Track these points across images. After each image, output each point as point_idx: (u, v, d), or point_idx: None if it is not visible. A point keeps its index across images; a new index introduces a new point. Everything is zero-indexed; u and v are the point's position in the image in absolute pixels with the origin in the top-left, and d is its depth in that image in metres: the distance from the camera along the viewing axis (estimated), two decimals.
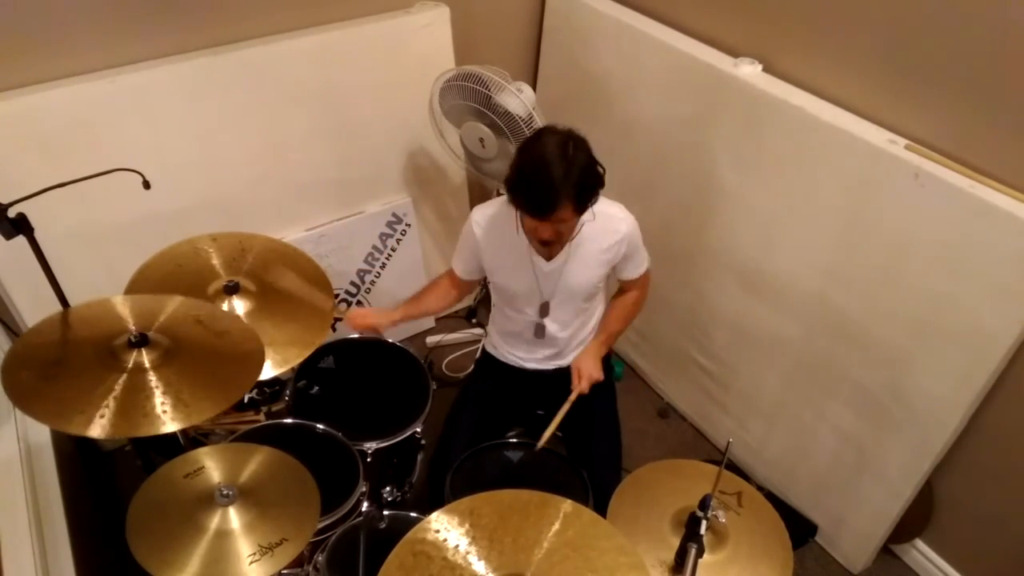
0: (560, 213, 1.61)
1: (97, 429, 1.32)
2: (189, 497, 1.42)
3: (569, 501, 1.33)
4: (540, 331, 1.98)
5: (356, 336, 2.16)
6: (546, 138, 1.63)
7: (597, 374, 1.92)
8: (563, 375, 2.00)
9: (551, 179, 1.57)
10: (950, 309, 1.80)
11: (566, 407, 1.86)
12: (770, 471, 2.50)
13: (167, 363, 1.47)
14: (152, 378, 1.43)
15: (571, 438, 2.01)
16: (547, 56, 2.79)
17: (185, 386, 1.43)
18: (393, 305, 2.11)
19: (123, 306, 1.58)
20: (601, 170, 1.67)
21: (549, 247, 1.80)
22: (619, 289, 2.06)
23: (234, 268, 1.88)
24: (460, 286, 2.07)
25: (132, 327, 1.50)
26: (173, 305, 1.61)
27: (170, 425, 1.36)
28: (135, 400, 1.39)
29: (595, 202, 1.69)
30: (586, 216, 1.72)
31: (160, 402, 1.39)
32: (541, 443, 1.84)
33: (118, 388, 1.40)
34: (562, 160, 1.58)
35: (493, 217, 1.89)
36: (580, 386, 1.89)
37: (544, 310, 1.94)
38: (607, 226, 1.83)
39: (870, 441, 2.10)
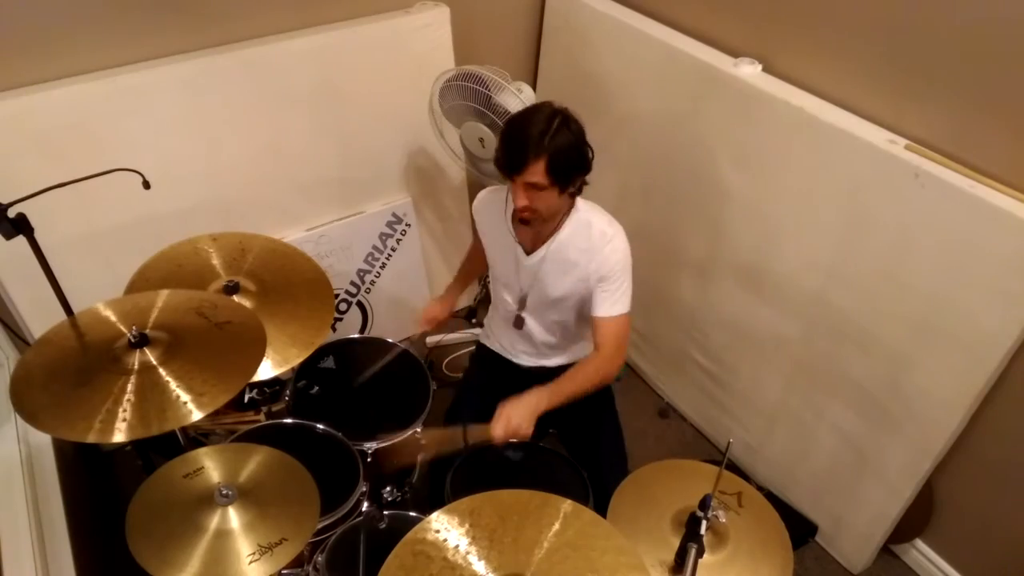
0: (531, 170, 1.60)
1: (120, 434, 1.32)
2: (189, 497, 1.42)
3: (569, 501, 1.33)
4: (519, 323, 1.98)
5: (356, 336, 2.17)
6: (540, 106, 1.67)
7: (523, 428, 1.64)
8: (546, 373, 2.00)
9: (526, 135, 1.59)
10: (950, 309, 1.79)
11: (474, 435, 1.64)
12: (770, 471, 2.50)
13: (171, 358, 1.47)
14: (163, 373, 1.43)
15: (574, 442, 2.01)
16: (547, 56, 2.79)
17: (196, 377, 1.43)
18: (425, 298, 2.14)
19: (108, 311, 1.56)
20: (589, 152, 1.67)
21: (527, 230, 1.80)
22: (593, 345, 1.84)
23: (234, 268, 1.88)
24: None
25: (125, 329, 1.49)
26: (162, 300, 1.60)
27: (197, 413, 1.36)
28: (153, 398, 1.38)
29: (577, 184, 1.69)
30: (572, 216, 1.73)
31: (177, 395, 1.39)
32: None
33: (131, 390, 1.39)
34: (545, 124, 1.60)
35: (493, 196, 1.93)
36: (495, 431, 1.64)
37: (522, 303, 1.94)
38: (594, 237, 1.78)
39: (870, 441, 2.10)
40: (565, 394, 1.72)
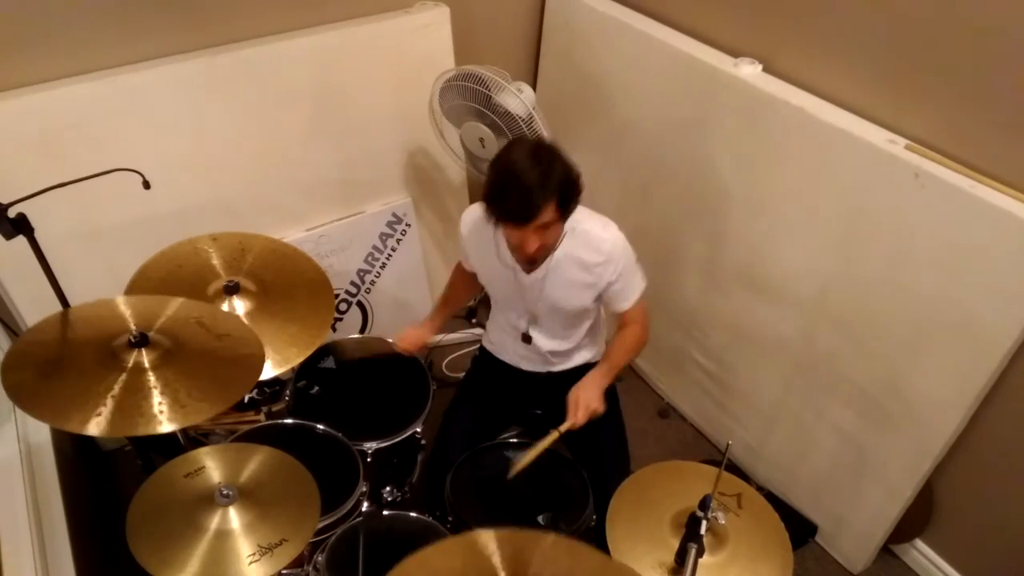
0: (543, 216, 1.58)
1: (94, 427, 1.33)
2: (189, 497, 1.42)
3: (552, 536, 1.26)
4: (527, 339, 1.96)
5: (356, 336, 2.17)
6: (515, 148, 1.62)
7: (597, 404, 1.77)
8: (555, 379, 1.99)
9: (529, 183, 1.55)
10: (950, 309, 1.79)
11: (550, 439, 1.72)
12: (770, 471, 2.50)
13: (166, 364, 1.47)
14: (151, 378, 1.43)
15: (577, 444, 2.01)
16: (547, 56, 2.79)
17: (183, 387, 1.43)
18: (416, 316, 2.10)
19: (124, 306, 1.58)
20: (578, 172, 1.65)
21: (533, 258, 1.76)
22: (618, 324, 1.94)
23: (234, 268, 1.88)
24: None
25: (132, 327, 1.50)
26: (174, 306, 1.61)
27: (166, 425, 1.36)
28: (133, 400, 1.39)
29: (576, 206, 1.66)
30: (566, 227, 1.71)
31: (158, 402, 1.40)
32: (513, 472, 1.72)
33: (117, 387, 1.40)
34: (536, 163, 1.56)
35: (480, 222, 1.83)
36: (576, 417, 1.75)
37: (532, 320, 1.92)
38: (591, 244, 1.77)
39: (870, 441, 2.10)
40: (619, 367, 1.88)
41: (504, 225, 1.63)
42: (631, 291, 1.85)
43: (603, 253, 1.77)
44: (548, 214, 1.59)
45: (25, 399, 1.35)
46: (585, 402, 1.76)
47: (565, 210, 1.63)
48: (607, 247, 1.77)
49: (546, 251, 1.74)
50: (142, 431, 1.35)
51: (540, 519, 1.70)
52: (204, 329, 1.58)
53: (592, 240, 1.77)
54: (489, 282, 1.95)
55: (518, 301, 1.90)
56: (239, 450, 1.54)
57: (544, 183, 1.55)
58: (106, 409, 1.36)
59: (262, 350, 1.58)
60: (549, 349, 1.98)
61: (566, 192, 1.60)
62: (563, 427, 1.74)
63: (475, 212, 1.87)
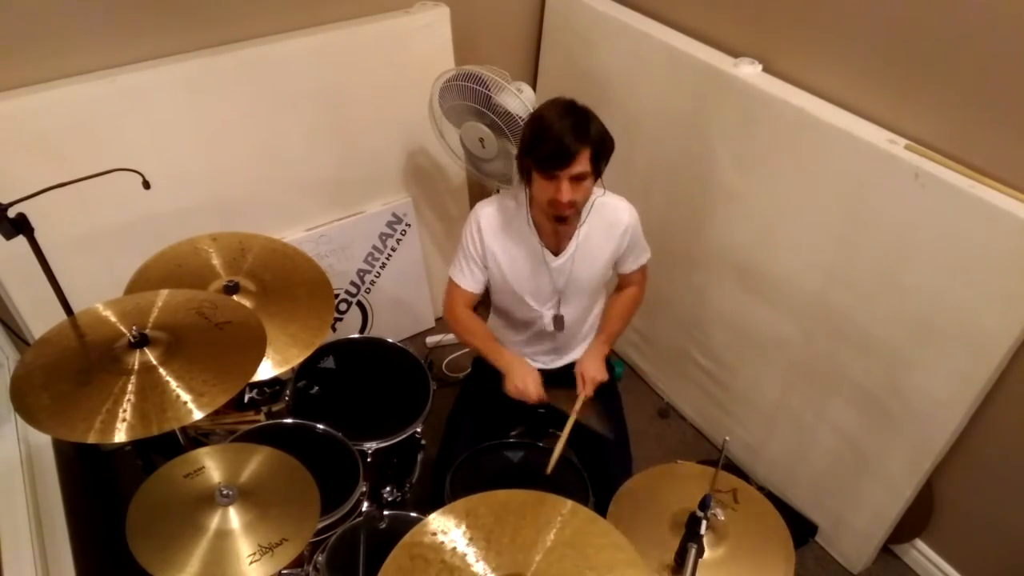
0: (579, 163, 1.62)
1: (122, 433, 1.32)
2: (189, 497, 1.42)
3: (565, 500, 1.33)
4: (559, 323, 1.96)
5: (356, 336, 2.17)
6: (550, 103, 1.68)
7: (601, 375, 1.90)
8: (557, 376, 2.00)
9: (566, 128, 1.61)
10: (950, 309, 1.79)
11: (573, 415, 1.82)
12: (770, 471, 2.50)
13: (172, 358, 1.46)
14: (163, 373, 1.43)
15: (580, 440, 2.01)
16: (547, 56, 2.79)
17: (195, 377, 1.43)
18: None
19: (108, 311, 1.56)
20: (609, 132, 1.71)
21: (552, 231, 1.80)
22: (617, 285, 2.05)
23: (234, 268, 1.88)
24: (477, 301, 1.99)
25: (125, 329, 1.49)
26: (161, 300, 1.60)
27: (197, 413, 1.36)
28: (154, 397, 1.38)
29: (606, 165, 1.71)
30: (597, 191, 1.76)
31: (179, 394, 1.39)
32: (551, 465, 1.76)
33: (131, 389, 1.39)
34: (573, 112, 1.64)
35: (498, 213, 1.86)
36: (585, 390, 1.87)
37: (559, 302, 1.93)
38: (611, 217, 1.85)
39: (870, 441, 2.10)
40: (616, 334, 2.02)
41: (539, 176, 1.67)
42: (641, 252, 1.97)
43: (622, 222, 1.86)
44: (583, 163, 1.63)
45: (46, 422, 1.33)
46: (591, 375, 1.89)
47: (598, 165, 1.68)
48: (625, 216, 1.86)
49: (576, 210, 1.75)
50: (175, 424, 1.35)
51: None
52: (199, 315, 1.57)
53: (610, 211, 1.85)
54: (517, 274, 1.89)
55: (546, 285, 1.90)
56: (239, 450, 1.54)
57: (578, 129, 1.62)
58: (127, 413, 1.35)
59: (263, 330, 1.57)
60: (571, 334, 2.01)
61: (600, 145, 1.66)
62: (577, 404, 1.85)
63: (491, 204, 1.88)
